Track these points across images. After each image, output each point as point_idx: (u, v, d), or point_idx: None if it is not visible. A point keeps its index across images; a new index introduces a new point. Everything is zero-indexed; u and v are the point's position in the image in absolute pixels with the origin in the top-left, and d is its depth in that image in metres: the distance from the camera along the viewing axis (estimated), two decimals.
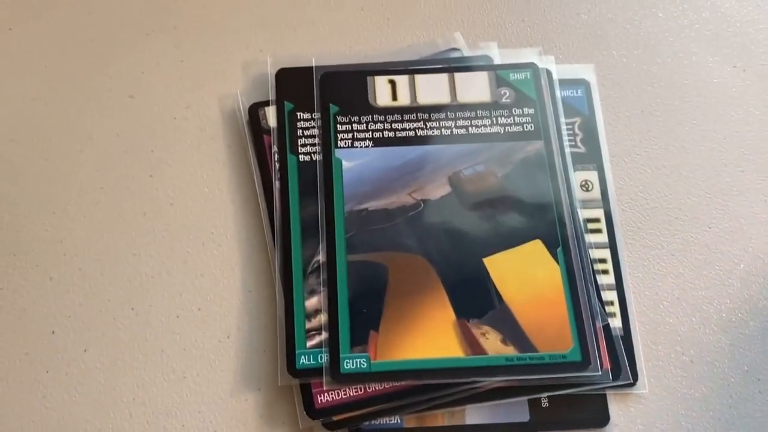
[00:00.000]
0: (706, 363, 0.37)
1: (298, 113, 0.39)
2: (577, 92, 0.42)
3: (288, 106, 0.39)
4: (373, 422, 0.35)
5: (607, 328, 0.36)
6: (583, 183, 0.39)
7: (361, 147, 0.38)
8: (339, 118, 0.39)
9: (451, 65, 0.41)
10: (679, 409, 0.36)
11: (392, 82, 0.40)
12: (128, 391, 0.36)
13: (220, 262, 0.38)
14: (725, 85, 0.43)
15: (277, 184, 0.38)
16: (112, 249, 0.38)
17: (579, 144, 0.40)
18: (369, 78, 0.40)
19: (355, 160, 0.38)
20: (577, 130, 0.41)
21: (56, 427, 0.35)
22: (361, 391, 0.34)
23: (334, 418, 0.34)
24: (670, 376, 0.36)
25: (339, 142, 0.38)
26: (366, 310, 0.35)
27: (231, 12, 0.44)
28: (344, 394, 0.34)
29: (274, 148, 0.39)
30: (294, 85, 0.40)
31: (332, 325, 0.35)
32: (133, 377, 0.36)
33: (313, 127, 0.39)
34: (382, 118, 0.39)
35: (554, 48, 0.44)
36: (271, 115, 0.40)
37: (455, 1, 0.45)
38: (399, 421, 0.35)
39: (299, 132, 0.39)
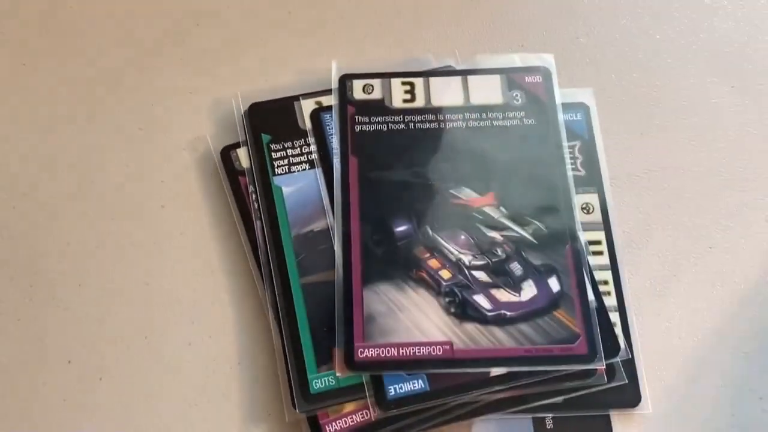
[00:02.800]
0: (709, 383, 0.37)
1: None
2: (576, 116, 0.42)
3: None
4: None
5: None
6: (584, 206, 0.40)
7: (299, 171, 0.40)
8: (273, 146, 0.40)
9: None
10: (682, 430, 0.36)
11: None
12: (143, 418, 0.37)
13: (230, 290, 0.39)
14: (723, 106, 0.44)
15: (258, 224, 0.39)
16: (125, 278, 0.40)
17: (579, 167, 0.41)
18: (296, 103, 0.42)
19: (295, 185, 0.40)
20: (577, 153, 0.41)
21: None
22: (367, 416, 0.35)
23: None
24: (673, 397, 0.37)
25: (276, 169, 0.40)
26: (327, 328, 0.36)
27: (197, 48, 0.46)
28: (352, 422, 0.35)
29: (251, 188, 0.40)
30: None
31: (296, 349, 0.36)
32: (148, 405, 0.37)
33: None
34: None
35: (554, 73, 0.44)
36: (243, 156, 0.41)
37: (453, 29, 0.46)
38: None
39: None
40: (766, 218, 0.41)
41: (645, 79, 0.45)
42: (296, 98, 0.42)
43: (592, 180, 0.41)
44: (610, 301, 0.38)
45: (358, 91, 0.42)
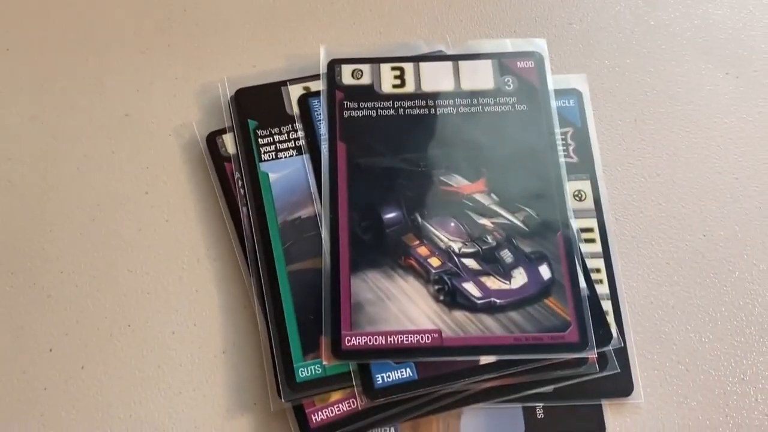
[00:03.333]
0: (701, 371, 0.37)
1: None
2: (569, 102, 0.42)
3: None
4: None
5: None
6: (576, 193, 0.40)
7: (286, 157, 0.39)
8: (259, 132, 0.40)
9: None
10: (674, 419, 0.36)
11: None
12: (125, 407, 0.36)
13: (215, 278, 0.38)
14: (718, 93, 0.43)
15: (244, 210, 0.38)
16: (108, 265, 0.39)
17: (572, 154, 0.40)
18: (284, 88, 0.41)
19: (281, 171, 0.39)
20: (569, 140, 0.41)
21: None
22: (354, 405, 0.34)
23: None
24: (665, 386, 0.36)
25: (263, 155, 0.39)
26: (313, 316, 0.35)
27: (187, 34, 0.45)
28: (338, 410, 0.34)
29: (237, 174, 0.39)
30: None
31: (281, 337, 0.35)
32: (130, 393, 0.36)
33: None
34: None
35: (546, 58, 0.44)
36: (228, 142, 0.40)
37: (445, 14, 0.45)
38: None
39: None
40: (758, 206, 0.40)
41: (639, 66, 0.44)
42: (284, 83, 0.41)
43: (584, 167, 0.40)
44: (603, 289, 0.37)
45: (347, 76, 0.41)
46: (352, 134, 0.39)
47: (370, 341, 0.35)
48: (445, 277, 0.36)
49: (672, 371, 0.37)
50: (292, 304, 0.36)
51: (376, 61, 0.42)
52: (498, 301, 0.36)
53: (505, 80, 0.41)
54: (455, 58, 0.42)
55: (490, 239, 0.37)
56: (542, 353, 0.34)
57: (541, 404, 0.35)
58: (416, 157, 0.39)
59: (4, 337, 0.37)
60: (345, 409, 0.34)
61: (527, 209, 0.38)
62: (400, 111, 0.40)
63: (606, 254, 0.38)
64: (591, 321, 0.35)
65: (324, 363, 0.35)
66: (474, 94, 0.41)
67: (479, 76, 0.41)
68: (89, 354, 0.37)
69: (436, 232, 0.37)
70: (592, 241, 0.38)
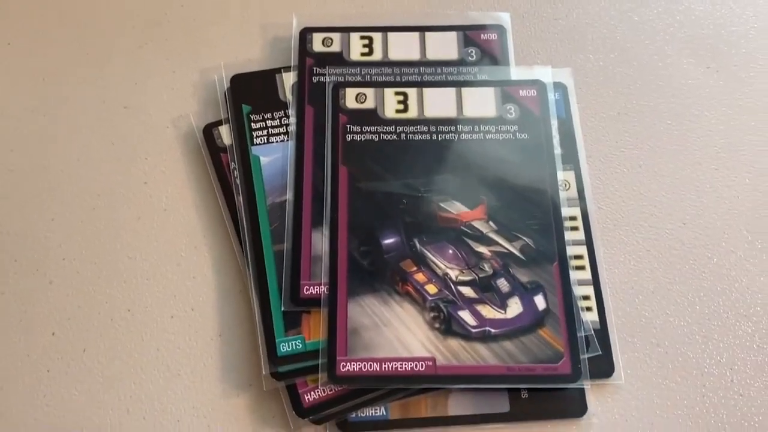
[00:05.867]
0: (680, 354, 0.38)
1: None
2: (554, 95, 0.43)
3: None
4: (359, 414, 0.36)
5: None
6: (561, 183, 0.41)
7: (278, 142, 0.41)
8: (253, 117, 0.41)
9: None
10: (654, 399, 0.37)
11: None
12: (125, 388, 0.37)
13: (212, 265, 0.40)
14: (699, 86, 0.45)
15: (238, 199, 0.40)
16: (108, 253, 0.40)
17: (556, 145, 0.42)
18: (278, 75, 0.42)
19: (272, 155, 0.40)
20: (554, 132, 0.42)
21: (57, 424, 0.37)
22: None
23: (323, 414, 0.36)
24: (645, 367, 0.38)
25: (255, 139, 0.41)
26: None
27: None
28: (330, 390, 0.36)
29: (233, 165, 0.40)
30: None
31: (265, 313, 0.37)
32: (130, 375, 0.37)
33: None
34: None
35: (532, 53, 0.45)
36: (225, 133, 0.42)
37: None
38: (384, 412, 0.36)
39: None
40: (736, 195, 0.42)
41: (623, 60, 0.45)
42: (278, 71, 0.43)
43: (569, 157, 0.42)
44: (585, 275, 0.39)
45: (317, 44, 0.43)
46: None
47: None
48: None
49: (652, 354, 0.38)
50: (277, 283, 0.38)
51: (346, 30, 0.43)
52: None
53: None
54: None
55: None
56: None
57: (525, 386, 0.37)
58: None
59: (9, 322, 0.39)
60: (336, 389, 0.36)
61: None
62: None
63: (588, 241, 0.40)
64: (587, 351, 0.36)
65: (282, 309, 0.37)
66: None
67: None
68: (91, 338, 0.38)
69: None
70: (575, 228, 0.40)
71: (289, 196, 0.39)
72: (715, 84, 0.45)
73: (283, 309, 0.37)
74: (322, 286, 0.37)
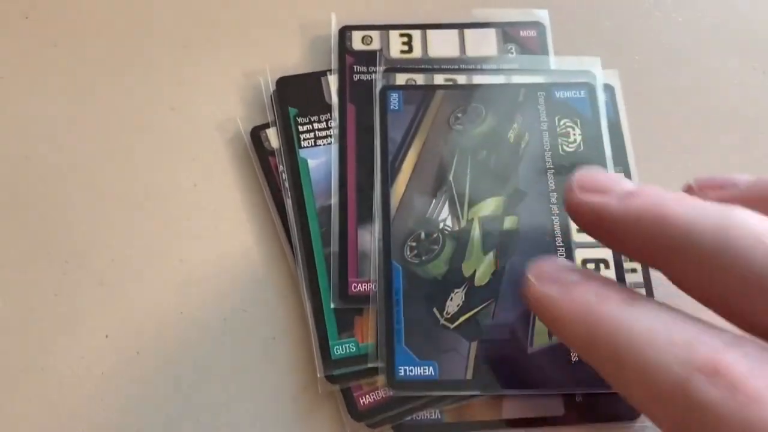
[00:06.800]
0: None
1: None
2: (604, 96, 0.43)
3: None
4: (415, 417, 0.36)
5: None
6: None
7: (325, 144, 0.41)
8: (299, 120, 0.41)
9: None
10: None
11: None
12: (180, 391, 0.37)
13: (264, 268, 0.40)
14: (745, 87, 0.45)
15: (288, 202, 0.40)
16: (159, 255, 0.40)
17: (606, 146, 0.42)
18: (323, 78, 0.43)
19: (320, 158, 0.41)
20: (605, 133, 0.42)
21: (114, 428, 0.37)
22: None
23: (379, 417, 0.36)
24: None
25: (302, 142, 0.41)
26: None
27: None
28: (385, 393, 0.36)
29: (281, 168, 0.41)
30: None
31: (318, 316, 0.37)
32: (183, 380, 0.38)
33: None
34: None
35: (575, 52, 0.45)
36: (272, 136, 0.42)
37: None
38: (439, 415, 0.36)
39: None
40: None
41: (668, 61, 0.45)
42: (323, 73, 0.43)
43: (618, 159, 0.41)
44: (637, 278, 0.39)
45: (357, 42, 0.44)
46: (360, 96, 0.42)
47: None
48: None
49: None
50: (328, 285, 0.38)
51: (385, 29, 0.44)
52: None
53: (508, 47, 0.44)
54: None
55: None
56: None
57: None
58: None
59: (62, 324, 0.39)
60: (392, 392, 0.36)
61: None
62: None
63: None
64: None
65: (332, 306, 0.37)
66: (478, 60, 0.43)
67: (482, 43, 0.44)
68: (143, 340, 0.38)
69: None
70: None
71: (334, 190, 0.40)
72: (761, 85, 0.45)
73: (332, 306, 0.37)
74: (371, 284, 0.38)
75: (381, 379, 0.36)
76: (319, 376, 0.36)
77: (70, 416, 0.37)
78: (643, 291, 0.38)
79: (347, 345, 0.37)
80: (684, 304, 0.38)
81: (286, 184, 0.40)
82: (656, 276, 0.39)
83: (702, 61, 0.45)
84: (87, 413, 0.37)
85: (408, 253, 0.38)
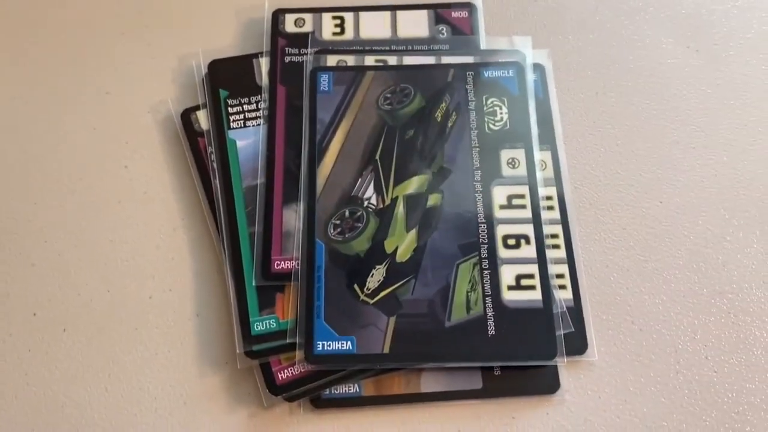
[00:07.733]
0: (654, 331, 0.38)
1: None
2: (532, 75, 0.43)
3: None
4: (333, 391, 0.36)
5: None
6: (538, 162, 0.41)
7: (254, 126, 0.41)
8: (229, 101, 0.42)
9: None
10: (628, 375, 0.37)
11: None
12: (104, 367, 0.38)
13: (190, 247, 0.40)
14: (678, 66, 0.45)
15: (215, 182, 0.40)
16: (89, 235, 0.41)
17: (533, 125, 0.42)
18: (255, 60, 0.43)
19: (248, 139, 0.41)
20: (532, 112, 0.42)
21: (38, 402, 0.37)
22: None
23: (296, 391, 0.36)
24: (619, 344, 0.38)
25: (232, 123, 0.41)
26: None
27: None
28: (303, 368, 0.36)
29: (210, 149, 0.41)
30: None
31: (239, 294, 0.38)
32: (109, 354, 0.38)
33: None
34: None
35: (507, 33, 0.45)
36: (202, 118, 0.42)
37: None
38: (358, 389, 0.37)
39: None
40: (714, 174, 0.42)
41: (602, 41, 0.45)
42: (255, 56, 0.43)
43: (545, 138, 0.42)
44: (560, 254, 0.39)
45: (290, 25, 0.44)
46: (291, 78, 0.42)
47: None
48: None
49: (626, 331, 0.38)
50: (251, 263, 0.38)
51: (318, 11, 0.45)
52: None
53: (439, 29, 0.44)
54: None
55: None
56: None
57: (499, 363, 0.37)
58: None
59: None
60: (310, 367, 0.36)
61: None
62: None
63: (564, 220, 0.40)
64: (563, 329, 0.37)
65: (253, 284, 0.38)
66: (409, 42, 0.44)
67: (414, 24, 0.44)
68: (70, 318, 0.39)
69: None
70: (551, 208, 0.40)
71: (261, 170, 0.40)
72: (695, 63, 0.45)
73: (254, 284, 0.38)
74: (293, 261, 0.38)
75: (299, 353, 0.36)
76: (238, 351, 0.36)
77: None
78: (565, 266, 0.39)
79: (268, 321, 0.37)
80: (604, 276, 0.39)
81: (215, 165, 0.41)
82: (579, 251, 0.39)
83: (636, 40, 0.45)
84: (12, 389, 0.38)
85: (332, 230, 0.39)
